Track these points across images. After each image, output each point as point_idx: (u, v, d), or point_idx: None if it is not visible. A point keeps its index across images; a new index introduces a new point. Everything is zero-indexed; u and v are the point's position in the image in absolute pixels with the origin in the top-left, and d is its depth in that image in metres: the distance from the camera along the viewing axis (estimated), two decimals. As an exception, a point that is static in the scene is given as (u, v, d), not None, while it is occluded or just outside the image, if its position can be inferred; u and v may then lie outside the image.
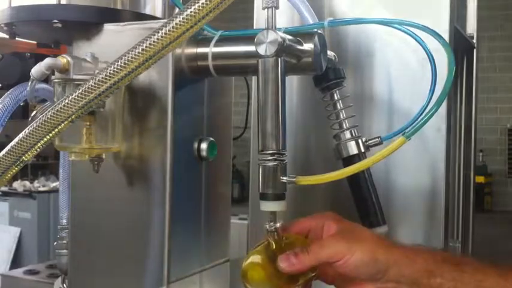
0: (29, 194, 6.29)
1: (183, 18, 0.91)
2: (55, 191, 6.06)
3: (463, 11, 1.96)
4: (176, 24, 0.92)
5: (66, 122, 0.95)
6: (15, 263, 5.99)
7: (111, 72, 0.93)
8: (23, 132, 0.95)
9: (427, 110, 1.21)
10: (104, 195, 1.24)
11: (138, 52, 0.93)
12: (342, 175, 1.17)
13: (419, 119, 1.20)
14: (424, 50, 1.25)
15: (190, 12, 0.91)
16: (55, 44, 1.42)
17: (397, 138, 1.15)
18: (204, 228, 1.31)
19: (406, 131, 1.17)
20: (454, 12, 1.61)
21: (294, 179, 1.11)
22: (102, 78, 0.94)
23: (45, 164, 10.63)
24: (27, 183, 6.83)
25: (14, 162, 0.96)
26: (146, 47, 0.93)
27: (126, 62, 0.93)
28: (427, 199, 1.58)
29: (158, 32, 0.93)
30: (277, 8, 1.07)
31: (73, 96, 0.94)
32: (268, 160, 1.08)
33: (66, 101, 0.95)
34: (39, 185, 6.82)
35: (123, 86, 0.96)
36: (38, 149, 0.97)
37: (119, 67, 0.93)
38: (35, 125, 0.95)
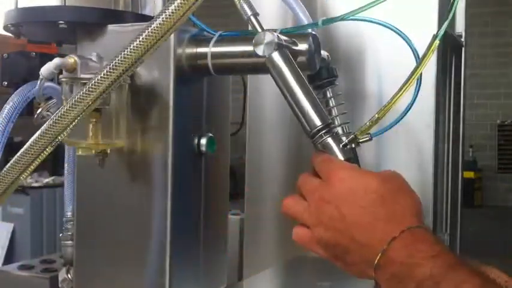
0: (22, 190, 6.26)
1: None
2: (48, 186, 6.07)
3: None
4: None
5: (75, 122, 1.00)
6: (9, 258, 5.99)
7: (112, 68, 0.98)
8: (40, 130, 1.00)
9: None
10: (108, 189, 1.29)
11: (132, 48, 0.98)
12: None
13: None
14: (410, 49, 1.31)
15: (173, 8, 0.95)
16: (58, 43, 1.47)
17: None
18: (203, 220, 1.35)
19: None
20: (443, 13, 1.67)
21: (352, 136, 1.11)
22: (104, 75, 0.98)
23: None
24: (20, 178, 6.82)
25: (29, 163, 1.02)
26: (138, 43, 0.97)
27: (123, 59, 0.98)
28: (416, 193, 1.63)
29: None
30: (257, 14, 1.12)
31: (80, 94, 0.99)
32: (321, 137, 1.06)
33: (75, 99, 0.99)
34: (32, 180, 6.80)
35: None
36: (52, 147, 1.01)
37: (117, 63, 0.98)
38: (51, 122, 0.99)
